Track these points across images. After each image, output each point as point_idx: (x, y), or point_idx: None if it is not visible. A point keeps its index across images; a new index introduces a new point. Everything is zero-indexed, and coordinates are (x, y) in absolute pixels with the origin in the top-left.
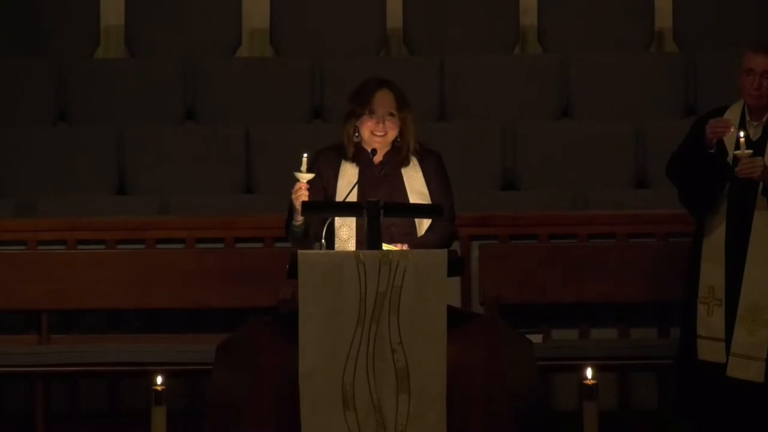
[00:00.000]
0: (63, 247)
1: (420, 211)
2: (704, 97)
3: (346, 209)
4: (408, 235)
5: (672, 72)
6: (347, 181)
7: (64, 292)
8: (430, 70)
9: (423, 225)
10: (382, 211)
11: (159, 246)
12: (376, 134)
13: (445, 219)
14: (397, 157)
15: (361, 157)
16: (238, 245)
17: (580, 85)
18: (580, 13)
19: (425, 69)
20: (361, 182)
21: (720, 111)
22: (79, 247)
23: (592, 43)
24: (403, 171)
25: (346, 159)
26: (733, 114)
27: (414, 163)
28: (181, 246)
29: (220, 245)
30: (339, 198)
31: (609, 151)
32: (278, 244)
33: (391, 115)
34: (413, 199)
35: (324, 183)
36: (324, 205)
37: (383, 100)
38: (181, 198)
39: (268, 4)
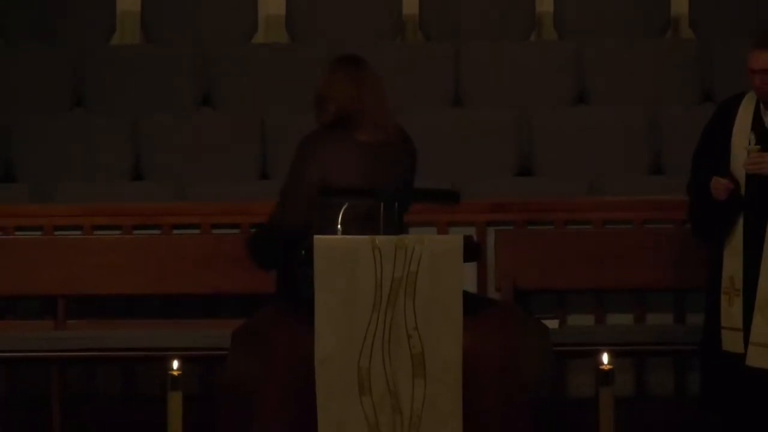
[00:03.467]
0: (79, 232)
1: (433, 196)
2: (720, 84)
3: (359, 195)
4: None
5: (688, 58)
6: None
7: (80, 278)
8: (445, 56)
9: None
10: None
11: (175, 232)
12: None
13: None
14: None
15: None
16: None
17: (596, 71)
18: (596, 0)
19: (441, 55)
20: None
21: (738, 98)
22: (96, 232)
23: (608, 29)
24: None
25: None
26: (747, 103)
27: None
28: (196, 232)
29: (236, 231)
30: None
31: (625, 138)
32: None
33: None
34: None
35: None
36: (339, 191)
37: None
38: (197, 184)
39: None
